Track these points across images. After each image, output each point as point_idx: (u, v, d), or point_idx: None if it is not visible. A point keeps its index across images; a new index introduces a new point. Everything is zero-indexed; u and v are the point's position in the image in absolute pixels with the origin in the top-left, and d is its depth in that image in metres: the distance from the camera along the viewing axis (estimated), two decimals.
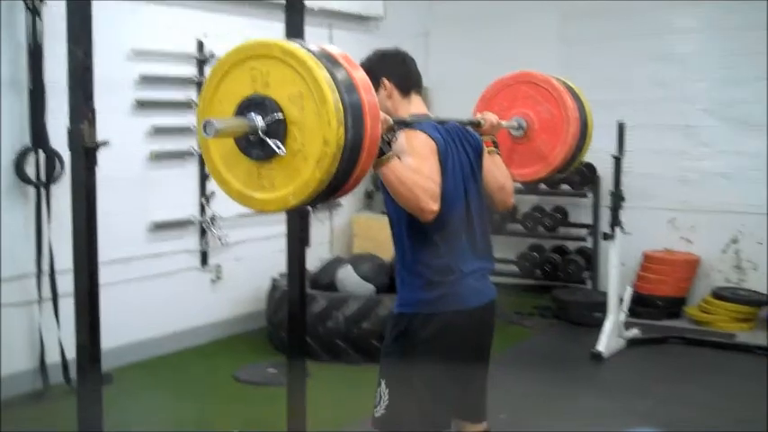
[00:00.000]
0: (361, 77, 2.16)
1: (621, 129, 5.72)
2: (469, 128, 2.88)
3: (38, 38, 4.61)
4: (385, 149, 2.37)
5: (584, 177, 6.98)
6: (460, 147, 2.74)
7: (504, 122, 3.10)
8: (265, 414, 4.39)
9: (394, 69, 2.80)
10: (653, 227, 6.83)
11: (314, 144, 2.06)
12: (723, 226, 6.61)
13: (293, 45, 2.10)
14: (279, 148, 2.08)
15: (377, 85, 2.71)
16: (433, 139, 2.60)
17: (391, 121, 2.49)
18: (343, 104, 2.05)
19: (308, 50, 2.09)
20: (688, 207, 6.76)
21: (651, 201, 6.82)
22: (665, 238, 6.86)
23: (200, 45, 5.72)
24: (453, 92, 6.40)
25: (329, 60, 2.11)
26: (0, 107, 4.61)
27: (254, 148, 2.13)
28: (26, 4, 4.58)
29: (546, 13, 7.35)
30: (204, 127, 2.01)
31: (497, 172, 2.88)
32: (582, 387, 5.10)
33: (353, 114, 2.08)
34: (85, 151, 2.77)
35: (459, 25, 7.86)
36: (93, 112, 2.78)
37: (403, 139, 2.57)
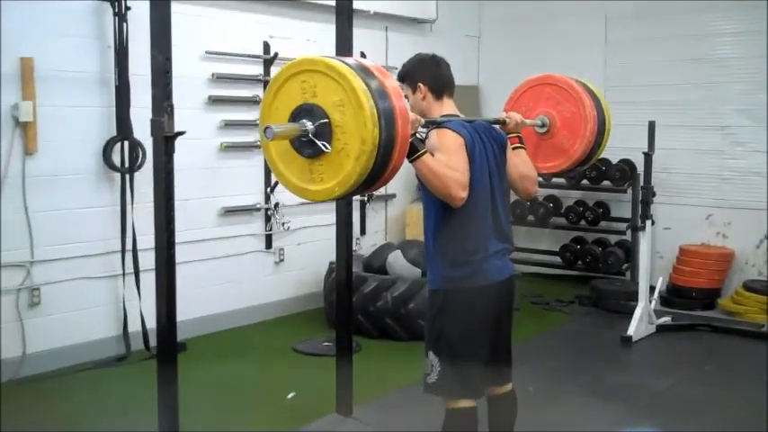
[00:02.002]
0: (392, 86, 2.55)
1: (652, 127, 5.92)
2: (495, 125, 3.22)
3: (123, 39, 5.03)
4: (418, 146, 2.77)
5: (624, 174, 7.16)
6: (486, 141, 3.08)
7: (528, 120, 3.42)
8: (319, 381, 4.69)
9: (429, 74, 3.13)
10: (691, 222, 7.03)
11: (354, 143, 2.46)
12: (757, 222, 6.71)
13: (335, 61, 2.53)
14: (326, 147, 2.51)
15: (414, 87, 3.13)
16: (460, 135, 2.96)
17: (423, 120, 2.87)
18: (377, 109, 2.45)
19: (347, 65, 2.50)
20: (725, 204, 6.91)
21: (690, 197, 7.02)
22: (703, 233, 7.02)
23: (267, 46, 6.14)
24: (502, 90, 6.70)
25: (365, 72, 2.52)
26: (91, 101, 5.10)
27: (306, 147, 2.55)
28: (113, 9, 5.02)
29: (591, 15, 7.53)
30: (264, 131, 2.45)
31: (520, 164, 3.18)
32: (608, 366, 5.38)
33: (386, 117, 2.48)
34: (165, 140, 3.26)
35: (508, 26, 8.11)
36: (171, 107, 3.26)
37: (434, 136, 2.95)
